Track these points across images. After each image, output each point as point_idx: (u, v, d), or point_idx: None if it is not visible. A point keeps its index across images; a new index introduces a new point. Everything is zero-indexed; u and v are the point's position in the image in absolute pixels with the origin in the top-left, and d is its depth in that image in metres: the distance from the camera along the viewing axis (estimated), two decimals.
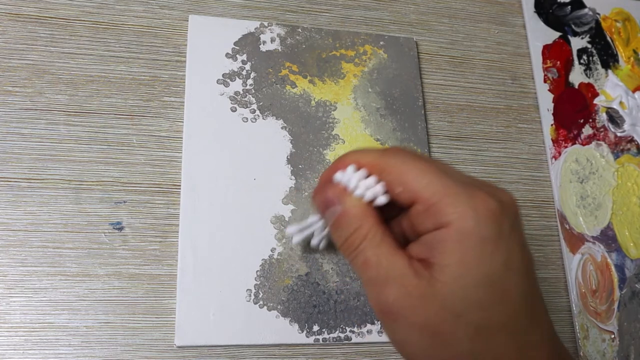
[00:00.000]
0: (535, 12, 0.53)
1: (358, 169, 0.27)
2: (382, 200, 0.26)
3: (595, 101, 0.51)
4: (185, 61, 0.43)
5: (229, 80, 0.43)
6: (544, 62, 0.51)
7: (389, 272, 0.24)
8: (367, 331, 0.39)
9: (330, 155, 0.43)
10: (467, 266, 0.23)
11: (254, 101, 0.43)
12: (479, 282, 0.23)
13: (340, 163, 0.27)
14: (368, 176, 0.27)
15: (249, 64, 0.44)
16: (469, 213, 0.24)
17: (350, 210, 0.26)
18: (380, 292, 0.24)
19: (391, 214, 0.28)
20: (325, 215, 0.28)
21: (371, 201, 0.26)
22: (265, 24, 0.45)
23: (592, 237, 0.47)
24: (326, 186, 0.27)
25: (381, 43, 0.47)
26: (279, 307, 0.38)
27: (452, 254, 0.24)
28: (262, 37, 0.45)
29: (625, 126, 0.51)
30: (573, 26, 0.54)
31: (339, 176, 0.27)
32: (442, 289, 0.23)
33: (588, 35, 0.54)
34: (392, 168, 0.26)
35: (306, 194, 0.41)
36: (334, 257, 0.40)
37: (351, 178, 0.26)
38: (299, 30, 0.46)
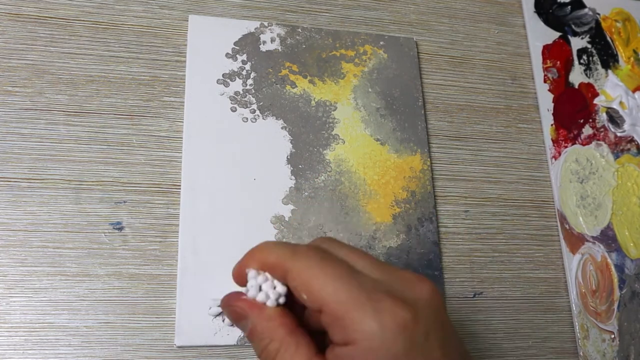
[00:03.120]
0: (535, 12, 0.53)
1: (263, 270, 0.25)
2: (282, 300, 0.25)
3: (595, 101, 0.51)
4: (185, 61, 0.43)
5: (229, 80, 0.43)
6: (544, 62, 0.51)
7: None
8: None
9: (330, 155, 0.43)
10: None
11: (254, 101, 0.43)
12: None
13: (248, 261, 0.26)
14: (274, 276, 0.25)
15: (249, 64, 0.44)
16: (375, 330, 0.22)
17: (258, 326, 0.25)
18: None
19: None
20: (238, 326, 0.27)
21: (278, 301, 0.25)
22: (265, 24, 0.45)
23: (592, 237, 0.47)
24: (232, 298, 0.26)
25: (381, 43, 0.47)
26: None
27: None
28: (262, 37, 0.45)
29: (625, 126, 0.51)
30: (573, 26, 0.54)
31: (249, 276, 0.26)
32: None
33: (588, 35, 0.54)
34: (297, 272, 0.24)
35: (306, 194, 0.41)
36: None
37: (253, 285, 0.25)
38: (299, 30, 0.46)
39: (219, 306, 0.29)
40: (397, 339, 0.22)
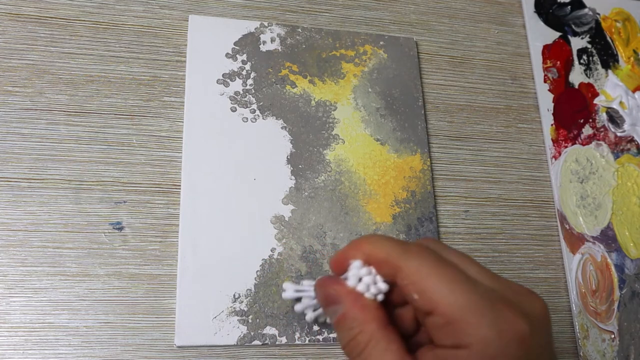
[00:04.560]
0: (535, 12, 0.53)
1: (369, 263, 0.25)
2: (380, 298, 0.24)
3: (595, 101, 0.51)
4: (185, 61, 0.43)
5: (229, 80, 0.43)
6: (544, 62, 0.51)
7: None
8: None
9: (330, 155, 0.43)
10: None
11: (254, 101, 0.43)
12: None
13: (352, 251, 0.25)
14: (377, 271, 0.25)
15: (249, 64, 0.44)
16: (493, 337, 0.21)
17: (351, 313, 0.24)
18: None
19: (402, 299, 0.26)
20: (327, 311, 0.26)
21: (376, 297, 0.24)
22: (265, 24, 0.45)
23: (592, 237, 0.47)
24: (329, 281, 0.25)
25: (381, 43, 0.47)
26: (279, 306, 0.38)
27: None
28: (262, 37, 0.45)
29: (625, 126, 0.51)
30: (573, 26, 0.54)
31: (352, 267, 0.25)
32: None
33: (588, 35, 0.54)
34: (410, 271, 0.23)
35: (306, 194, 0.41)
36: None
37: (354, 274, 0.24)
38: (299, 30, 0.46)
39: (297, 291, 0.28)
40: (513, 350, 0.21)
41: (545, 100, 0.50)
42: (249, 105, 0.43)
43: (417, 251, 0.24)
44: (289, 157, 0.42)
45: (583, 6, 0.55)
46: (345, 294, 0.24)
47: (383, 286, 0.24)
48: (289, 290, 0.29)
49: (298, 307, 0.29)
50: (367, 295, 0.24)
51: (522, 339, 0.22)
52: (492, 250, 0.45)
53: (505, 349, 0.21)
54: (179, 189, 0.40)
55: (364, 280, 0.24)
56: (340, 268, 0.25)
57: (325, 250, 0.40)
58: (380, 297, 0.24)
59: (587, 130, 0.50)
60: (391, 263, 0.24)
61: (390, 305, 0.25)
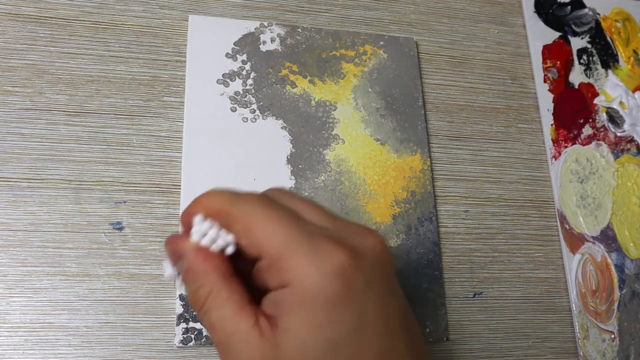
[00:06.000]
0: (535, 12, 0.53)
1: (209, 216, 0.24)
2: (230, 250, 0.24)
3: (595, 101, 0.51)
4: (185, 61, 0.43)
5: (229, 80, 0.43)
6: (544, 62, 0.51)
7: (233, 336, 0.22)
8: None
9: (330, 155, 0.43)
10: (309, 330, 0.21)
11: (254, 101, 0.43)
12: (322, 348, 0.21)
13: (194, 206, 0.25)
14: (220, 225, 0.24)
15: (249, 64, 0.44)
16: (312, 271, 0.21)
17: (193, 266, 0.24)
18: (226, 356, 0.23)
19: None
20: (176, 268, 0.25)
21: (222, 252, 0.24)
22: (265, 24, 0.45)
23: (592, 237, 0.47)
24: (175, 237, 0.25)
25: (381, 43, 0.47)
26: None
27: (294, 317, 0.21)
28: (262, 37, 0.45)
29: (625, 126, 0.51)
30: (573, 26, 0.54)
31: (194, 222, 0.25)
32: (284, 356, 0.21)
33: (588, 35, 0.54)
34: (240, 217, 0.23)
35: (306, 194, 0.41)
36: None
37: (197, 230, 0.24)
38: (299, 30, 0.46)
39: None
40: (333, 282, 0.21)
41: (545, 100, 0.50)
42: (249, 105, 0.43)
43: (249, 198, 0.24)
44: (289, 157, 0.42)
45: (583, 6, 0.55)
46: (188, 248, 0.24)
47: (229, 237, 0.24)
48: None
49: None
50: (213, 247, 0.24)
51: (341, 271, 0.21)
52: (492, 250, 0.45)
53: (323, 282, 0.21)
54: (179, 189, 0.40)
55: (209, 234, 0.24)
56: (187, 224, 0.25)
57: None
58: (230, 250, 0.24)
59: (587, 130, 0.50)
60: (224, 211, 0.24)
61: (249, 262, 0.24)
